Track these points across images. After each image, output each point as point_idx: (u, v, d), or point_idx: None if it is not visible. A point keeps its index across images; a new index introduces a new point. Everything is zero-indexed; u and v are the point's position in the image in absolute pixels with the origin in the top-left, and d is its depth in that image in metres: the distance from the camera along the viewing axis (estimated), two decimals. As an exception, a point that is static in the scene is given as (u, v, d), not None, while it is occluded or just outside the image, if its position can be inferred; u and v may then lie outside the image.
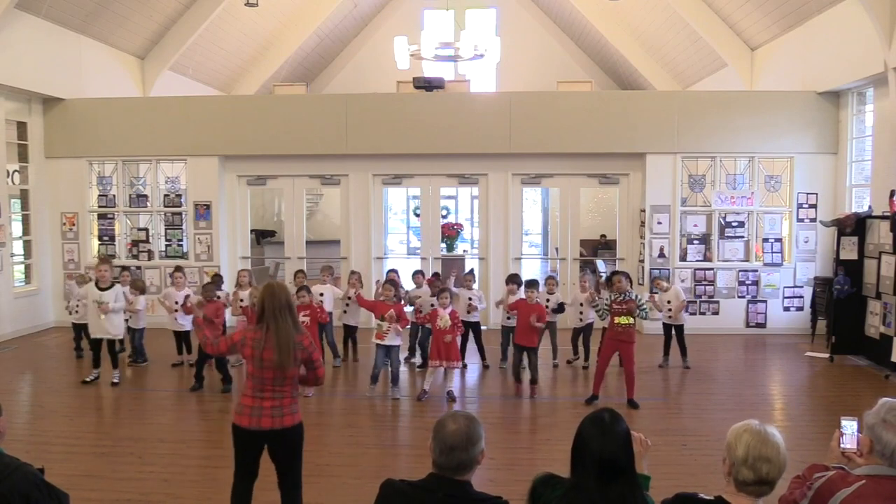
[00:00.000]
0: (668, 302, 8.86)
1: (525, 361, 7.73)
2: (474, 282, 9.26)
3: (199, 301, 7.77)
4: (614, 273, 7.73)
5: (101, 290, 7.74)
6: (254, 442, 4.00)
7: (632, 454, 2.40)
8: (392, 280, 8.32)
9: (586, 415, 2.48)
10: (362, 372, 8.52)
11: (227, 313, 9.03)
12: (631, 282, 8.46)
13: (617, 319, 7.20)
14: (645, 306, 7.36)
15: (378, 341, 7.57)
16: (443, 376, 7.79)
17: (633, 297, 7.25)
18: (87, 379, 8.00)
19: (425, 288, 8.82)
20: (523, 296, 7.93)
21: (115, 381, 8.01)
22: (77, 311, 9.00)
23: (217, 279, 9.12)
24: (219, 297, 8.33)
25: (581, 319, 8.90)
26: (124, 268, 10.71)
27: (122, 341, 9.12)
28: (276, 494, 4.17)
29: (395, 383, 7.65)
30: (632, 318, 7.20)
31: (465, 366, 8.62)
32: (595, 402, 7.23)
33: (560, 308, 8.71)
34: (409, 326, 8.13)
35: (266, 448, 4.05)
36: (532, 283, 7.90)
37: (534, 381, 7.61)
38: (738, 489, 2.37)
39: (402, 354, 9.09)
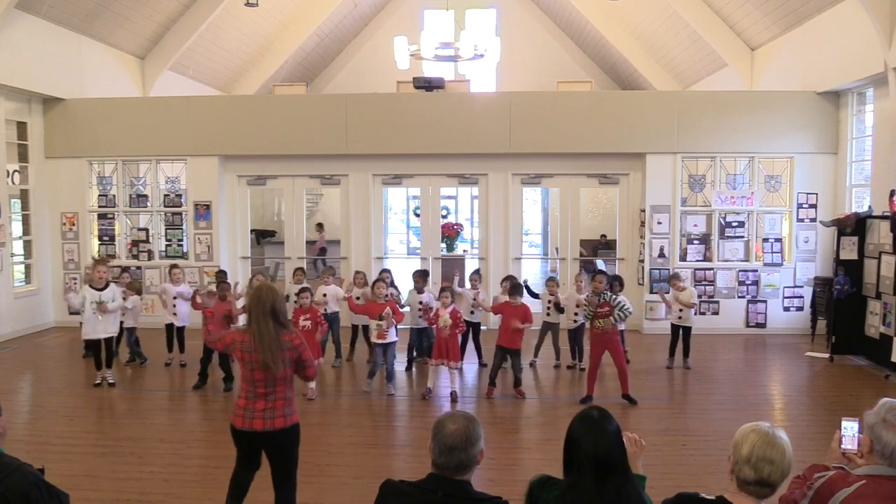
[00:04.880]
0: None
1: (508, 364, 7.72)
2: (480, 281, 9.25)
3: (209, 291, 7.80)
4: (598, 272, 7.72)
5: (97, 290, 7.74)
6: (248, 441, 4.10)
7: (624, 449, 2.41)
8: (384, 279, 8.38)
9: (575, 415, 2.49)
10: (362, 372, 8.50)
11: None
12: (622, 284, 8.41)
13: (595, 321, 7.28)
14: (625, 306, 7.34)
15: (379, 341, 7.64)
16: (447, 376, 7.78)
17: (609, 300, 7.28)
18: (97, 382, 7.93)
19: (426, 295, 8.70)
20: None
21: (112, 381, 7.97)
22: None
23: (222, 275, 9.09)
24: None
25: (575, 321, 8.76)
26: (124, 268, 10.68)
27: (119, 342, 9.12)
28: (272, 493, 4.18)
29: (389, 380, 7.73)
30: (609, 320, 7.22)
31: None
32: (590, 402, 7.21)
33: (559, 308, 8.72)
34: (403, 319, 8.14)
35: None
36: (516, 290, 7.84)
37: (518, 384, 7.60)
38: (739, 488, 2.38)
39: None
